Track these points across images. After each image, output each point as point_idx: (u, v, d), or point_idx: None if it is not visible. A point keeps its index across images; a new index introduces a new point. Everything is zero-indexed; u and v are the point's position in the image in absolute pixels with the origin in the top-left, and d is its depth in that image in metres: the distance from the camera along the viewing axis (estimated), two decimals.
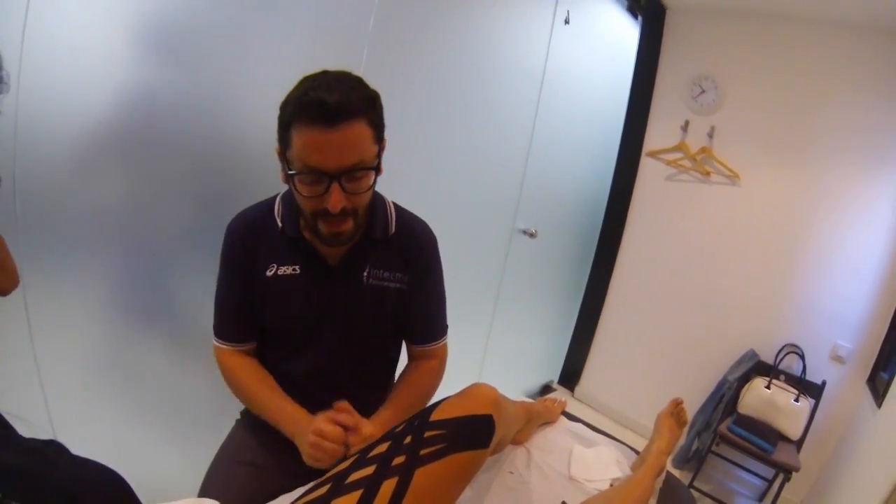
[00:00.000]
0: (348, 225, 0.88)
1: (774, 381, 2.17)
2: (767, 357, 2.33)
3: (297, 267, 0.97)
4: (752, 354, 2.37)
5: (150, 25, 1.03)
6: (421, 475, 0.71)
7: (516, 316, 2.50)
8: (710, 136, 2.46)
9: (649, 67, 2.66)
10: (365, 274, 0.99)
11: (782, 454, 2.00)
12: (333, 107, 0.76)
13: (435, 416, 0.79)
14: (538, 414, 1.36)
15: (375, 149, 0.86)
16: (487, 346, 2.35)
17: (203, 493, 0.99)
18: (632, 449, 1.40)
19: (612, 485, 1.20)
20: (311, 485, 0.77)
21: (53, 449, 0.84)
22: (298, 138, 0.79)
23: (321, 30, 1.31)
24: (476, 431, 0.79)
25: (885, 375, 1.90)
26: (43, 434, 0.88)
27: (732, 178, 2.44)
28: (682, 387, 2.48)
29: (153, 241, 1.18)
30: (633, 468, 1.28)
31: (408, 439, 0.76)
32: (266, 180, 1.16)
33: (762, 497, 2.35)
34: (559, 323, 3.01)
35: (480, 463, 0.81)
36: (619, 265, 2.87)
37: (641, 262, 2.79)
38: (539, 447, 1.29)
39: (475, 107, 1.84)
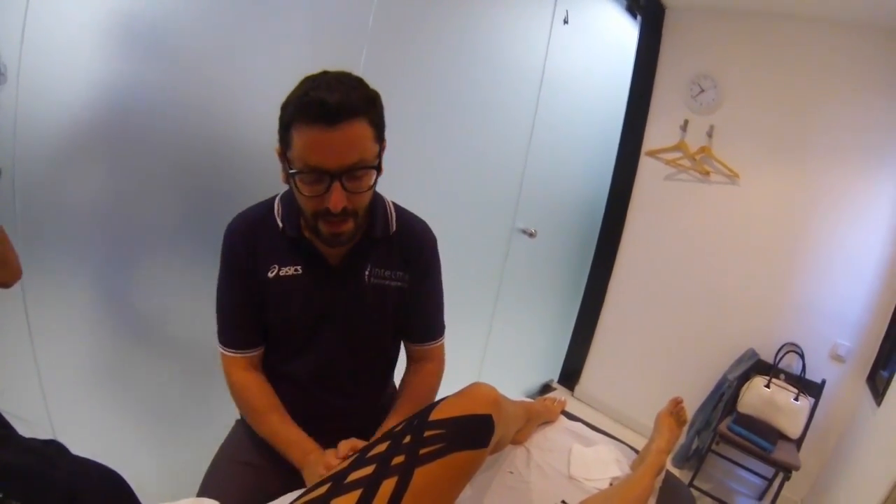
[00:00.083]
0: (349, 225, 0.88)
1: (774, 379, 2.17)
2: (767, 356, 2.33)
3: (298, 267, 0.96)
4: (751, 353, 2.37)
5: (149, 25, 1.03)
6: (420, 475, 0.71)
7: (516, 315, 2.50)
8: (710, 135, 2.46)
9: (648, 67, 2.66)
10: (366, 273, 0.99)
11: (782, 453, 2.01)
12: (334, 106, 0.76)
13: (434, 416, 0.79)
14: (538, 413, 1.35)
15: (376, 148, 0.86)
16: (487, 346, 2.35)
17: (202, 492, 0.99)
18: (631, 448, 1.40)
19: (611, 484, 1.20)
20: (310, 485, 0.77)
21: (53, 449, 0.83)
22: (299, 138, 0.80)
23: (319, 30, 1.31)
24: (475, 431, 0.79)
25: (884, 374, 1.90)
26: (43, 434, 0.88)
27: (732, 177, 2.44)
28: (682, 386, 2.47)
29: (154, 241, 1.18)
30: (633, 467, 1.28)
31: (407, 439, 0.76)
32: (266, 180, 1.16)
33: (762, 496, 2.35)
34: (559, 322, 3.01)
35: (480, 462, 0.81)
36: (619, 264, 2.87)
37: (641, 261, 2.80)
38: (539, 446, 1.29)
39: (474, 107, 1.84)
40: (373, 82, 0.85)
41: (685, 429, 1.46)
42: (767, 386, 2.15)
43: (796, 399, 2.09)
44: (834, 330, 2.22)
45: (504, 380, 2.48)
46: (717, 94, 2.44)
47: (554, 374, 3.13)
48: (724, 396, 2.30)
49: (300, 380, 1.02)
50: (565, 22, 2.06)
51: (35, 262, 1.00)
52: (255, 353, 1.01)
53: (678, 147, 2.56)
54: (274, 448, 0.96)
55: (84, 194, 1.05)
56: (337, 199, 0.82)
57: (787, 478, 1.99)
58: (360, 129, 0.81)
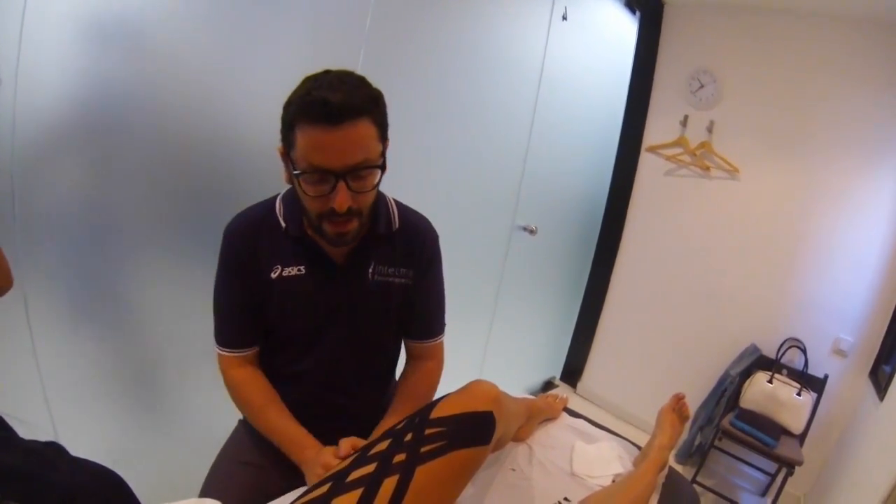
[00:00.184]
0: (353, 224, 0.88)
1: (776, 375, 2.17)
2: (769, 351, 2.32)
3: (301, 267, 0.96)
4: (753, 349, 2.37)
5: (148, 25, 1.03)
6: (422, 473, 0.70)
7: (517, 313, 2.49)
8: (710, 130, 2.45)
9: (648, 62, 2.65)
10: (370, 271, 0.99)
11: (785, 448, 2.00)
12: (337, 106, 0.76)
13: (435, 414, 0.79)
14: (540, 410, 1.35)
15: (380, 147, 0.85)
16: (488, 344, 2.35)
17: (204, 493, 0.99)
18: (634, 444, 1.39)
19: (614, 481, 1.20)
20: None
21: (53, 450, 0.84)
22: (303, 138, 0.79)
23: (317, 31, 1.30)
24: (477, 428, 0.79)
25: (887, 369, 1.89)
26: (44, 435, 0.88)
27: (732, 172, 2.43)
28: (684, 382, 2.48)
29: (156, 242, 1.18)
30: (636, 464, 1.28)
31: (408, 437, 0.75)
32: (266, 180, 1.16)
33: (765, 491, 2.34)
34: (560, 319, 3.01)
35: (482, 460, 0.81)
36: (620, 261, 2.87)
37: (642, 257, 2.79)
38: (541, 443, 1.28)
39: (473, 104, 1.83)
40: (371, 81, 0.85)
41: (688, 425, 1.46)
42: (770, 381, 2.15)
43: (799, 394, 2.09)
44: (836, 325, 2.22)
45: (506, 377, 2.49)
46: (717, 89, 2.44)
47: (556, 371, 3.13)
48: (727, 392, 2.30)
49: (305, 380, 1.02)
50: (564, 18, 2.06)
51: (36, 263, 1.00)
52: (252, 352, 1.01)
53: (678, 143, 2.55)
54: (273, 444, 0.96)
55: (84, 195, 1.05)
56: (342, 199, 0.82)
57: (789, 473, 1.98)
58: (364, 129, 0.80)
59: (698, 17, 2.50)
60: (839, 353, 2.21)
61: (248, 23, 1.17)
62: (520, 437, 1.25)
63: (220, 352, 1.00)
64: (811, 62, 2.21)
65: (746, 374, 2.28)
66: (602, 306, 2.95)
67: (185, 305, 1.25)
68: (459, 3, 1.66)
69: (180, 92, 1.11)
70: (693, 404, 1.96)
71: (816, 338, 2.25)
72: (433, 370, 1.13)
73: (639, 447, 1.37)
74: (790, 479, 2.00)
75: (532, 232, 2.27)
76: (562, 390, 3.02)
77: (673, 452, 1.74)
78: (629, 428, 2.72)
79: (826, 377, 2.17)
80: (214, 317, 1.00)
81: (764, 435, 2.02)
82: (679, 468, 2.32)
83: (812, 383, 2.16)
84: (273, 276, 0.95)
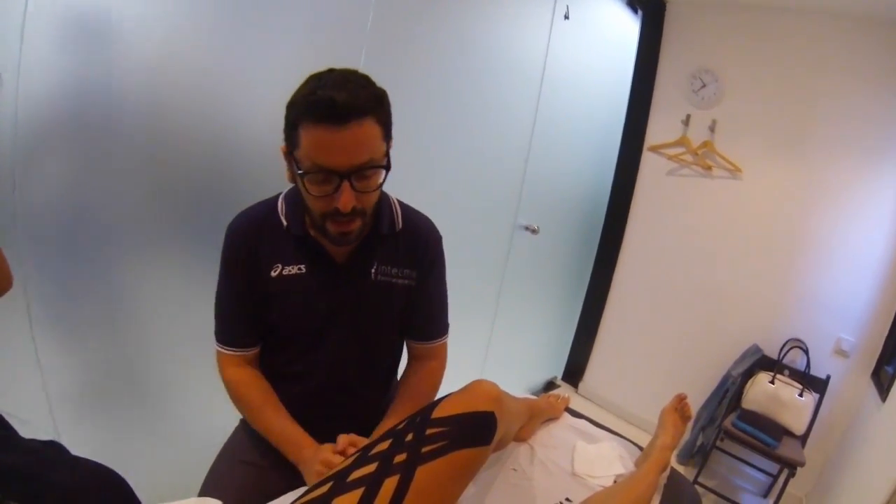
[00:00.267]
0: (357, 224, 0.87)
1: (778, 375, 2.17)
2: (771, 352, 2.32)
3: (302, 266, 0.95)
4: (755, 349, 2.36)
5: (147, 26, 1.03)
6: (423, 473, 0.70)
7: (519, 312, 2.49)
8: (712, 129, 2.45)
9: (650, 62, 2.65)
10: (373, 271, 0.99)
11: (787, 449, 2.00)
12: (342, 105, 0.75)
13: (436, 414, 0.79)
14: (541, 410, 1.35)
15: (385, 147, 0.85)
16: (490, 343, 2.35)
17: (204, 492, 0.98)
18: (635, 445, 1.39)
19: (615, 481, 1.19)
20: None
21: (53, 450, 0.84)
22: (307, 138, 0.78)
23: (318, 30, 1.30)
24: (478, 428, 0.79)
25: (889, 369, 1.89)
26: (45, 435, 0.88)
27: (734, 171, 2.42)
28: (686, 382, 2.47)
29: (157, 242, 1.18)
30: (637, 464, 1.27)
31: (409, 437, 0.75)
32: (266, 180, 1.16)
33: (767, 492, 2.34)
34: (562, 319, 3.00)
35: (483, 460, 0.80)
36: (622, 260, 2.86)
37: (644, 257, 2.79)
38: (542, 443, 1.28)
39: (475, 104, 1.83)
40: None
41: (689, 425, 1.45)
42: (772, 382, 2.14)
43: (801, 395, 2.08)
44: (838, 325, 2.21)
45: (507, 377, 2.49)
46: (719, 88, 2.43)
47: (558, 371, 3.13)
48: (729, 393, 2.29)
49: (307, 381, 1.01)
50: (566, 17, 2.06)
51: (37, 263, 1.00)
52: (252, 352, 1.01)
53: (680, 142, 2.54)
54: (271, 444, 0.96)
55: (85, 195, 1.05)
56: (347, 199, 0.81)
57: (791, 474, 1.98)
58: (369, 129, 0.80)
59: (700, 16, 2.49)
60: (841, 353, 2.20)
61: (250, 22, 1.17)
62: (521, 437, 1.25)
63: (220, 349, 1.00)
64: (813, 60, 2.21)
65: (748, 374, 2.27)
66: (604, 306, 2.94)
67: (186, 305, 1.25)
68: (461, 3, 1.66)
69: (181, 91, 1.11)
70: (695, 405, 1.96)
71: (818, 338, 2.24)
72: (435, 370, 1.12)
73: (640, 447, 1.37)
74: (792, 480, 2.00)
75: (534, 231, 2.27)
76: (563, 390, 3.02)
77: (675, 453, 1.74)
78: (631, 428, 2.72)
79: (828, 378, 2.16)
80: (215, 314, 1.00)
81: (766, 435, 2.01)
82: (681, 469, 2.32)
83: (814, 384, 2.16)
84: (273, 274, 0.94)
